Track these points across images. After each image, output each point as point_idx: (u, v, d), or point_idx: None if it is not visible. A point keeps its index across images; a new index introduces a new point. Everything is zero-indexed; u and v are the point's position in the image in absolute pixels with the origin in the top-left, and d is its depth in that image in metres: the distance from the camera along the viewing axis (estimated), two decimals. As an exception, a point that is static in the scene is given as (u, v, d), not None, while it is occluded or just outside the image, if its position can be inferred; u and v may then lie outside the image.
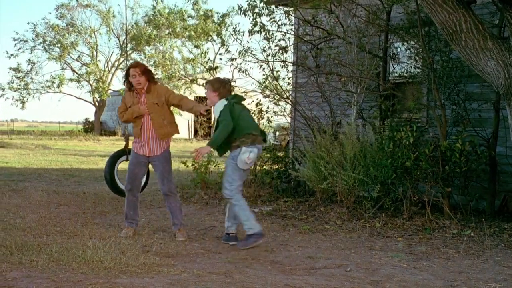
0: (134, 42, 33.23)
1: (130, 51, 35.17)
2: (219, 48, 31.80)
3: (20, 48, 33.03)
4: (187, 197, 8.77)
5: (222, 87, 5.80)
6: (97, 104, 36.20)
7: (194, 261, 4.99)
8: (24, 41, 32.85)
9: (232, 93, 5.97)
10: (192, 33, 30.17)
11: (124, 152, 8.73)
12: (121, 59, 35.61)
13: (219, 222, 6.86)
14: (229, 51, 9.04)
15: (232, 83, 6.61)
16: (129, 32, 33.99)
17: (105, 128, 37.58)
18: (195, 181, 9.41)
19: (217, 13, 30.49)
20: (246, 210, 5.62)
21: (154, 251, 5.27)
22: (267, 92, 9.60)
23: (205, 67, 31.45)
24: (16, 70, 33.50)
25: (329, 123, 8.85)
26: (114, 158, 8.63)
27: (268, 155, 9.00)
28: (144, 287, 3.99)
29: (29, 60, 34.01)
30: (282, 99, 9.35)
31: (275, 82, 9.47)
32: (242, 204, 5.63)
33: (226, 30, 8.92)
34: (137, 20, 33.99)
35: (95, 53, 34.94)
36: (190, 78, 30.28)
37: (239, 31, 9.06)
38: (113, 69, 35.91)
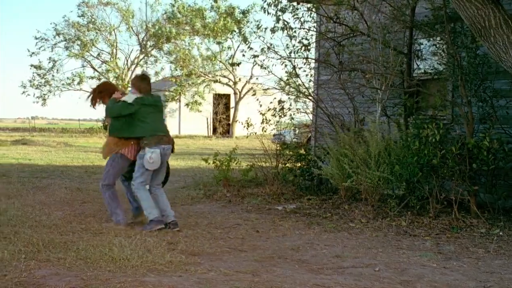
0: (154, 40, 33.37)
1: (150, 49, 35.33)
2: (239, 45, 31.89)
3: (41, 46, 33.36)
4: (209, 194, 8.76)
5: (141, 83, 6.31)
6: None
7: (220, 259, 4.97)
8: (45, 39, 33.18)
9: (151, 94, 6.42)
10: (210, 31, 30.17)
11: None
12: (141, 56, 35.77)
13: (243, 220, 6.84)
14: (251, 48, 8.96)
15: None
16: (149, 29, 34.14)
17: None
18: (217, 179, 9.39)
19: (238, 7, 30.48)
20: (148, 201, 6.17)
21: (179, 249, 5.26)
22: (290, 89, 9.54)
23: (224, 64, 31.89)
24: (38, 67, 33.85)
25: (352, 120, 8.77)
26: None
27: (291, 152, 8.94)
28: (173, 286, 3.98)
29: (49, 58, 34.36)
30: (305, 97, 9.28)
31: (297, 79, 9.41)
32: (144, 196, 6.18)
33: (248, 27, 8.88)
34: (157, 17, 34.09)
35: (114, 50, 35.14)
36: (210, 75, 30.48)
37: (261, 27, 9.00)
38: (133, 66, 36.08)
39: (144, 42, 34.90)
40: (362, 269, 4.67)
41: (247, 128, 10.15)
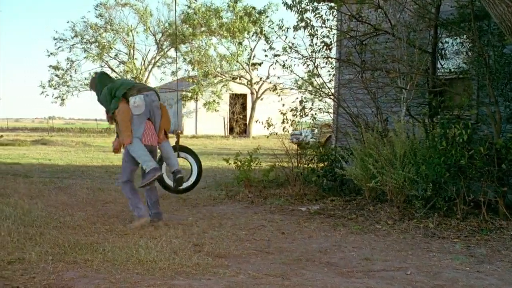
0: (170, 40, 33.45)
1: (166, 49, 35.41)
2: (255, 45, 31.82)
3: (59, 47, 33.61)
4: (231, 195, 8.71)
5: (93, 81, 6.86)
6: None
7: (248, 261, 4.91)
8: (64, 40, 33.41)
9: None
10: (226, 31, 30.15)
11: (174, 149, 8.75)
12: (158, 57, 35.88)
13: (268, 221, 6.77)
14: (273, 48, 8.87)
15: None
16: (166, 30, 34.21)
17: (141, 125, 37.98)
18: (238, 179, 9.33)
19: (254, 8, 30.41)
20: (141, 151, 6.27)
21: (206, 251, 5.21)
22: (311, 89, 9.44)
23: (240, 64, 31.83)
24: (56, 68, 34.12)
25: (375, 120, 8.66)
26: None
27: (314, 152, 8.85)
28: (203, 289, 3.92)
29: (67, 58, 34.61)
30: (326, 96, 9.18)
31: (319, 78, 9.30)
32: (137, 147, 6.27)
33: (269, 26, 8.77)
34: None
35: (132, 51, 35.29)
36: (227, 75, 30.42)
37: (283, 27, 8.91)
38: (150, 66, 36.21)
39: (161, 43, 34.98)
40: (393, 273, 4.57)
41: (267, 128, 10.08)
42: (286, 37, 8.63)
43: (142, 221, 6.22)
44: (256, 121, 10.71)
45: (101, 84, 6.65)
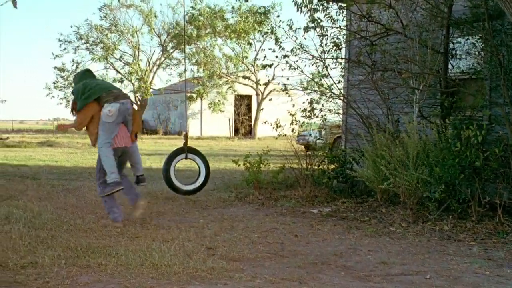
0: (175, 41, 33.40)
1: (171, 50, 35.34)
2: (261, 45, 31.73)
3: (65, 49, 33.57)
4: (241, 197, 8.63)
5: (75, 79, 7.05)
6: (138, 103, 36.57)
7: (263, 265, 4.83)
8: (68, 42, 33.38)
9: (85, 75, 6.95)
10: (232, 32, 30.11)
11: (183, 151, 8.69)
12: (162, 58, 35.84)
13: (280, 223, 6.69)
14: (283, 48, 8.79)
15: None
16: (170, 31, 34.15)
17: (146, 127, 37.94)
18: (247, 181, 9.25)
19: (258, 9, 30.39)
20: (109, 160, 6.31)
21: (219, 255, 5.14)
22: (321, 89, 9.36)
23: (246, 65, 31.80)
24: (61, 70, 34.10)
25: (386, 121, 8.57)
26: (172, 157, 8.59)
27: (325, 154, 8.77)
28: (220, 294, 3.85)
29: (73, 60, 34.58)
30: (336, 97, 9.10)
31: (328, 79, 9.24)
32: (106, 156, 6.33)
33: (279, 26, 8.69)
34: (179, 19, 34.10)
35: (137, 52, 35.25)
36: (232, 76, 30.30)
37: (292, 27, 8.83)
38: (155, 68, 36.17)
39: (166, 44, 34.94)
40: (412, 277, 4.49)
41: (276, 130, 10.01)
42: (297, 38, 8.55)
43: (116, 225, 6.29)
44: (265, 122, 10.64)
45: (80, 78, 6.82)
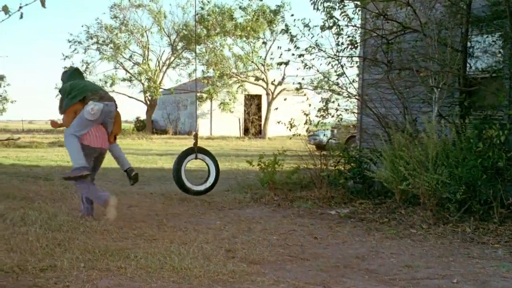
0: (185, 41, 33.38)
1: (180, 50, 35.31)
2: (271, 44, 31.60)
3: (74, 49, 33.66)
4: (257, 198, 8.53)
5: (63, 77, 6.99)
6: (148, 103, 36.61)
7: (284, 268, 4.74)
8: (78, 42, 33.46)
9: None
10: (241, 31, 30.01)
11: (193, 151, 8.64)
12: (172, 58, 35.82)
13: (298, 225, 6.60)
14: (298, 47, 8.68)
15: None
16: (180, 32, 34.13)
17: (156, 127, 37.95)
18: (262, 182, 9.16)
19: (268, 8, 30.29)
20: (75, 147, 6.36)
21: (239, 257, 5.05)
22: (335, 88, 9.25)
23: (256, 64, 31.69)
24: (70, 70, 34.15)
25: (402, 120, 8.46)
26: (182, 157, 8.55)
27: (342, 154, 8.65)
28: (245, 299, 3.76)
29: (82, 60, 34.66)
30: (352, 96, 8.99)
31: (343, 78, 9.12)
32: (72, 143, 6.40)
33: (294, 25, 8.55)
34: (188, 19, 34.07)
35: (146, 52, 35.26)
36: (242, 76, 30.16)
37: (307, 25, 8.72)
38: (164, 67, 36.17)
39: (175, 44, 34.92)
40: (438, 281, 4.38)
41: (290, 129, 9.92)
42: (313, 35, 8.44)
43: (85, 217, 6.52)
44: (278, 122, 10.53)
45: (68, 78, 6.88)
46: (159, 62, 36.24)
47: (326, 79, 9.06)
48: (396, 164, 7.20)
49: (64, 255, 4.81)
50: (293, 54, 8.57)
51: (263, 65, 31.88)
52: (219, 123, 35.27)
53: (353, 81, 9.74)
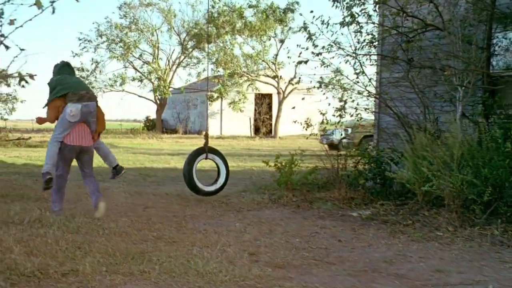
0: (195, 40, 33.26)
1: (191, 49, 35.20)
2: (282, 44, 31.43)
3: (84, 47, 33.63)
4: (274, 199, 8.38)
5: (54, 69, 7.03)
6: (158, 102, 36.52)
7: (310, 273, 4.60)
8: (88, 41, 33.42)
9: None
10: (251, 30, 29.83)
11: (203, 151, 8.52)
12: (182, 57, 35.72)
13: (320, 227, 6.45)
14: (316, 45, 8.52)
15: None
16: (190, 30, 34.00)
17: (166, 126, 37.86)
18: (279, 182, 9.00)
19: (278, 8, 30.12)
20: (52, 153, 6.55)
21: (263, 261, 4.91)
22: (342, 86, 9.07)
23: (267, 63, 31.49)
24: (80, 69, 34.14)
25: (423, 120, 8.28)
26: (193, 157, 8.43)
27: (362, 154, 8.48)
28: (276, 307, 3.62)
29: (92, 59, 34.64)
30: (371, 95, 8.82)
31: (362, 77, 8.96)
32: (51, 150, 6.57)
33: (313, 23, 8.37)
34: (198, 18, 33.94)
35: (156, 51, 35.17)
36: (252, 75, 29.94)
37: (325, 22, 8.56)
38: (174, 66, 36.07)
39: (185, 43, 34.80)
40: (472, 287, 4.22)
41: (306, 129, 9.79)
42: (333, 33, 8.27)
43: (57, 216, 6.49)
44: (295, 122, 10.36)
45: (58, 71, 6.96)
46: (169, 61, 36.16)
47: (344, 77, 8.86)
48: (418, 165, 7.03)
49: (85, 259, 4.68)
50: (312, 53, 8.40)
51: (274, 63, 31.70)
52: (229, 122, 35.12)
53: (370, 79, 9.57)
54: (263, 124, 35.70)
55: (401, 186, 7.85)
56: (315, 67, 8.62)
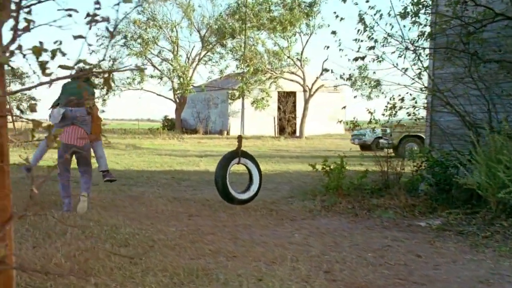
0: (216, 36, 32.53)
1: (212, 45, 34.52)
2: (308, 39, 30.65)
3: (101, 44, 33.12)
4: (327, 206, 7.75)
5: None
6: (177, 100, 35.92)
7: (402, 296, 4.00)
8: (106, 37, 32.88)
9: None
10: (276, 24, 29.07)
11: (236, 154, 7.89)
12: (202, 53, 35.02)
13: (390, 239, 5.82)
14: (373, 38, 7.90)
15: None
16: (211, 25, 33.32)
17: (185, 126, 37.20)
18: (328, 187, 8.39)
19: (304, 2, 29.45)
20: (38, 150, 7.36)
21: (342, 281, 4.32)
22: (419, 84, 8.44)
23: (292, 59, 30.66)
24: (97, 67, 33.65)
25: (483, 118, 7.65)
26: (227, 161, 7.81)
27: (426, 157, 7.82)
28: None
29: (110, 56, 34.11)
30: (431, 92, 8.18)
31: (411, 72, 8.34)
32: (40, 145, 7.34)
33: (366, 13, 7.80)
34: (220, 12, 33.22)
35: (176, 47, 34.53)
36: (277, 71, 29.13)
37: (378, 12, 7.95)
38: (194, 64, 35.42)
39: (206, 38, 34.10)
40: None
41: (352, 129, 9.17)
42: (393, 26, 7.65)
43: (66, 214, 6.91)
44: (340, 122, 9.72)
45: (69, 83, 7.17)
46: (188, 58, 35.53)
47: (400, 72, 8.22)
48: (493, 169, 6.39)
49: (146, 278, 4.14)
50: (368, 48, 7.78)
51: (299, 60, 30.94)
52: (252, 121, 34.44)
53: (419, 73, 8.89)
54: (289, 123, 34.84)
55: (466, 192, 7.21)
56: (370, 61, 7.98)
